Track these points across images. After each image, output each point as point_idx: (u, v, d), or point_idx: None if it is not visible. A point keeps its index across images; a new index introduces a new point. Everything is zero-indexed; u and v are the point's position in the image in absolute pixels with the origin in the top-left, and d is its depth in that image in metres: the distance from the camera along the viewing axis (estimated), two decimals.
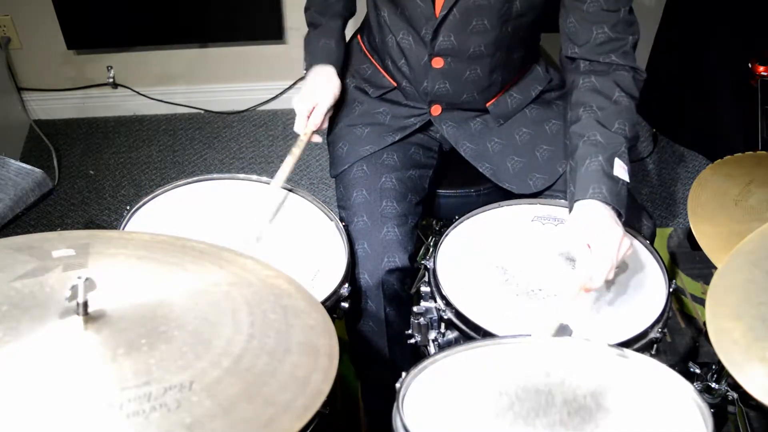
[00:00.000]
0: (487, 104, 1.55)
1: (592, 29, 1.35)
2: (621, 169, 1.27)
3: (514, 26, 1.42)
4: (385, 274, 1.41)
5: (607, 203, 1.24)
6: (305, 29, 1.61)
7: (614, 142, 1.29)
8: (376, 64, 1.59)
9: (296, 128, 1.51)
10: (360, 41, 1.65)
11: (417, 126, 1.57)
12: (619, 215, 1.26)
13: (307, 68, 1.56)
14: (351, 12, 1.63)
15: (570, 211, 1.29)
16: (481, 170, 1.55)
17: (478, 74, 1.47)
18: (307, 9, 1.62)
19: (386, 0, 1.45)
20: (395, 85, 1.57)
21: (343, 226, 1.42)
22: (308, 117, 1.50)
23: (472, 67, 1.46)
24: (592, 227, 1.22)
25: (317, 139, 1.54)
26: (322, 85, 1.52)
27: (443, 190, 1.64)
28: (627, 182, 1.28)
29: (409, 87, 1.54)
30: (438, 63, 1.46)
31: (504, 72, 1.52)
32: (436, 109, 1.55)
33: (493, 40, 1.41)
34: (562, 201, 1.46)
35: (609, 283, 1.32)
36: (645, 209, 1.52)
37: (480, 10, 1.37)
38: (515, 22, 1.41)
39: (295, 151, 1.48)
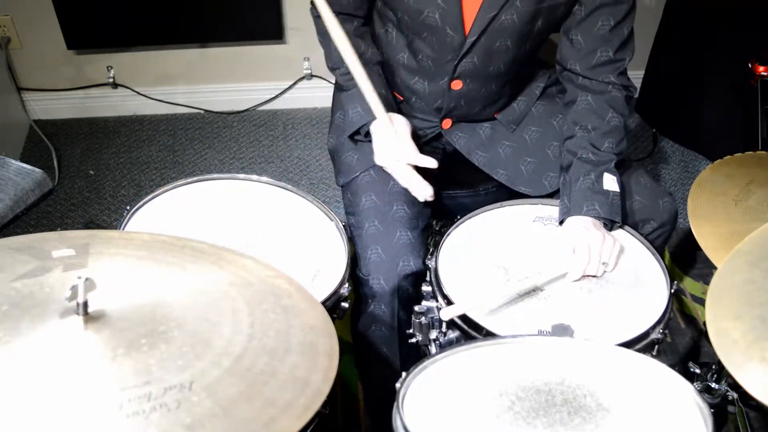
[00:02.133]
0: (496, 114, 1.56)
1: (597, 50, 1.41)
2: (611, 182, 1.40)
3: (532, 44, 1.44)
4: (401, 278, 1.40)
5: (599, 218, 1.37)
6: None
7: (604, 159, 1.41)
8: None
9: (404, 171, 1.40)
10: None
11: (427, 138, 1.57)
12: (613, 222, 1.40)
13: (367, 123, 1.44)
14: (381, 57, 1.52)
15: (561, 220, 1.41)
16: (496, 177, 1.56)
17: (492, 90, 1.49)
18: (335, 68, 1.50)
19: (408, 24, 1.41)
20: (401, 99, 1.56)
21: (344, 227, 1.42)
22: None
23: (488, 84, 1.48)
24: (579, 237, 1.35)
25: (429, 163, 1.40)
26: (398, 126, 1.40)
27: (450, 191, 1.64)
28: (617, 191, 1.39)
29: (419, 103, 1.53)
30: (457, 85, 1.46)
31: (514, 84, 1.55)
32: (446, 123, 1.56)
33: (512, 59, 1.43)
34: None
35: (610, 283, 1.33)
36: (665, 190, 1.53)
37: (504, 32, 1.37)
38: (534, 41, 1.43)
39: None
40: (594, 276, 1.33)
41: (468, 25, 1.37)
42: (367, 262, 1.41)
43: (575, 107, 1.46)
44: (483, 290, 1.29)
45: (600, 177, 1.39)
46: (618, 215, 1.39)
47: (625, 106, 1.46)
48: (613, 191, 1.39)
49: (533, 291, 1.30)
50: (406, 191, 1.49)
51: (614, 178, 1.40)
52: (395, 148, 1.38)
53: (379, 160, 1.41)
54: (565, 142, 1.46)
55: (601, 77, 1.43)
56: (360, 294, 1.44)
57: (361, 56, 1.42)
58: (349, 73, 1.40)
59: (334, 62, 1.50)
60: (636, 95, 1.50)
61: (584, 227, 1.36)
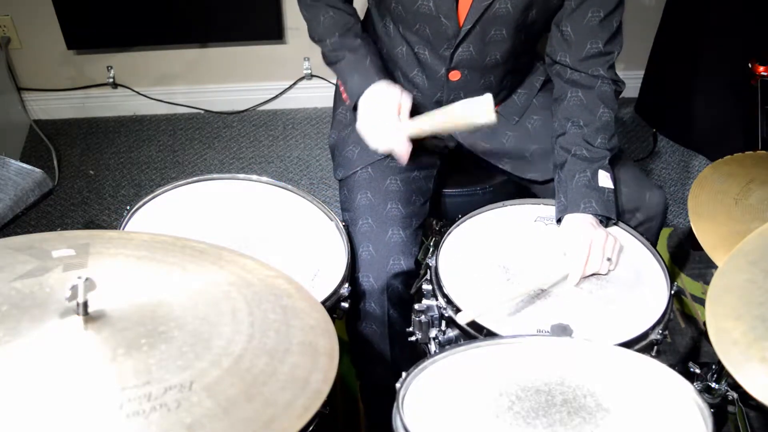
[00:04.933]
0: (497, 107, 1.56)
1: (587, 43, 1.41)
2: (605, 179, 1.40)
3: (527, 34, 1.44)
4: (391, 277, 1.41)
5: (597, 215, 1.37)
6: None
7: (598, 156, 1.41)
8: None
9: (386, 142, 1.37)
10: None
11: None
12: (609, 219, 1.40)
13: (360, 92, 1.42)
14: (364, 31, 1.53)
15: (559, 218, 1.41)
16: (501, 166, 1.57)
17: (491, 82, 1.49)
18: (322, 40, 1.49)
19: (404, 16, 1.42)
20: None
21: (344, 227, 1.42)
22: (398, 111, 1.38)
23: (487, 76, 1.48)
24: (580, 235, 1.34)
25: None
26: (394, 89, 1.40)
27: (449, 189, 1.64)
28: (612, 188, 1.40)
29: (419, 96, 1.53)
30: (455, 76, 1.47)
31: (513, 77, 1.55)
32: None
33: (508, 49, 1.44)
34: None
35: (610, 283, 1.33)
36: (654, 183, 1.53)
37: (499, 21, 1.38)
38: (528, 30, 1.43)
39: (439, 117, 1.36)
40: (598, 274, 1.33)
41: (462, 14, 1.37)
42: (358, 259, 1.41)
43: (565, 103, 1.46)
44: (488, 294, 1.29)
45: (595, 174, 1.39)
46: (613, 212, 1.39)
47: (614, 100, 1.46)
48: (608, 188, 1.39)
49: (533, 290, 1.30)
50: (402, 190, 1.50)
51: (608, 174, 1.41)
52: (390, 121, 1.36)
53: (362, 128, 1.39)
54: (558, 139, 1.46)
55: (590, 70, 1.43)
56: (353, 291, 1.44)
57: (351, 29, 1.47)
58: (337, 46, 1.45)
59: (320, 34, 1.50)
60: (624, 89, 1.50)
61: (587, 224, 1.36)
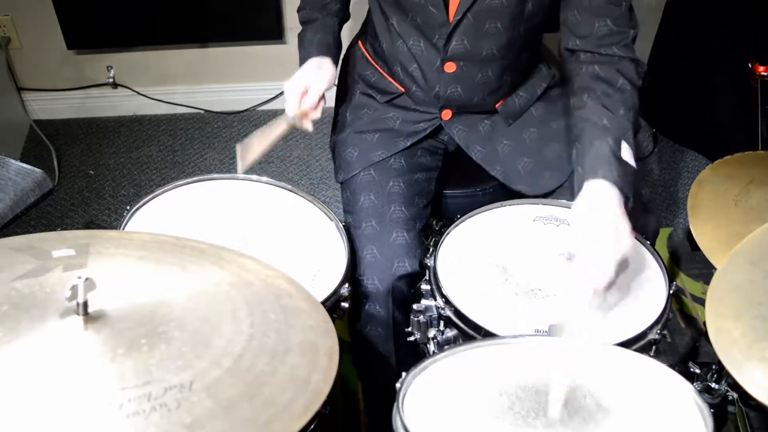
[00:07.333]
0: (496, 105, 1.56)
1: (594, 22, 1.35)
2: (628, 153, 1.27)
3: (525, 28, 1.43)
4: (396, 279, 1.41)
5: (617, 185, 1.23)
6: None
7: (621, 126, 1.28)
8: (381, 71, 1.58)
9: (288, 110, 1.47)
10: (362, 48, 1.63)
11: (428, 131, 1.57)
12: (627, 199, 1.25)
13: (301, 64, 1.53)
14: (345, 16, 1.60)
15: (577, 190, 1.27)
16: (492, 173, 1.56)
17: (489, 77, 1.48)
18: (300, 9, 1.59)
19: (395, 7, 1.43)
20: (403, 90, 1.56)
21: (345, 228, 1.42)
22: (300, 99, 1.46)
23: (484, 69, 1.47)
24: (601, 212, 1.21)
25: (316, 115, 1.48)
26: (314, 70, 1.49)
27: (449, 190, 1.64)
28: (634, 167, 1.27)
29: (419, 92, 1.53)
30: (450, 68, 1.46)
31: (513, 73, 1.53)
32: (446, 114, 1.55)
33: (505, 43, 1.42)
34: (564, 201, 1.46)
35: (611, 283, 1.32)
36: (649, 206, 1.51)
37: (493, 13, 1.37)
38: (526, 24, 1.42)
39: (277, 127, 1.44)
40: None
41: (453, 3, 1.37)
42: (362, 262, 1.41)
43: (581, 75, 1.36)
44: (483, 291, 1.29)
45: (618, 142, 1.26)
46: (631, 192, 1.26)
47: (636, 75, 1.35)
48: (630, 164, 1.27)
49: (531, 291, 1.30)
50: (405, 192, 1.50)
51: (631, 151, 1.27)
52: (299, 87, 1.47)
53: (286, 84, 1.50)
54: (576, 113, 1.35)
55: (604, 49, 1.34)
56: (357, 293, 1.44)
57: (324, 7, 1.55)
58: (304, 19, 1.56)
59: (301, 3, 1.58)
60: (644, 70, 1.38)
61: (608, 202, 1.21)
